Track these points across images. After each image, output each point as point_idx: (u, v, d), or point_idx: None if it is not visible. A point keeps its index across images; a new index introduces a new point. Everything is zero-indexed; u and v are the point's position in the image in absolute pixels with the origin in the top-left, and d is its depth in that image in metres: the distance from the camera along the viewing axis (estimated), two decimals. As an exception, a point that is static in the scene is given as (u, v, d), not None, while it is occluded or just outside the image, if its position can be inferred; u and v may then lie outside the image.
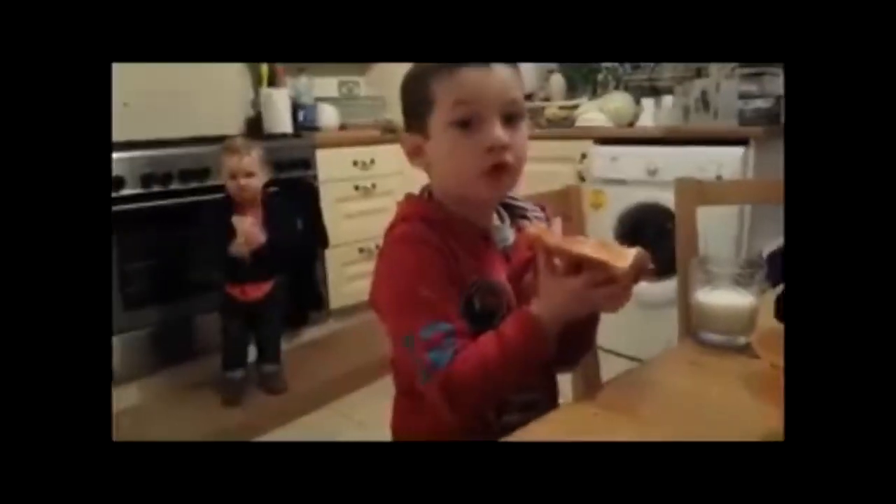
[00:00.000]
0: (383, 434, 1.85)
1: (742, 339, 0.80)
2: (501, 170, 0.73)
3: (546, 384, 0.85)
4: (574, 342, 0.77)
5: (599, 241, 0.69)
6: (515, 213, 0.85)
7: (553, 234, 0.72)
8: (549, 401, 0.83)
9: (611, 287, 0.67)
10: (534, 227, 0.71)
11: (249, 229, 1.93)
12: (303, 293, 2.48)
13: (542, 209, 0.89)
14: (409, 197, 0.82)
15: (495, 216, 0.83)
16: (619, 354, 2.00)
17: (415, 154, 0.79)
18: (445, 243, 0.73)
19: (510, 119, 0.73)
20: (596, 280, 0.67)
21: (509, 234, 0.82)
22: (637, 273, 0.66)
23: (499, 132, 0.71)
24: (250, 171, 1.98)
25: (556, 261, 0.70)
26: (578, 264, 0.68)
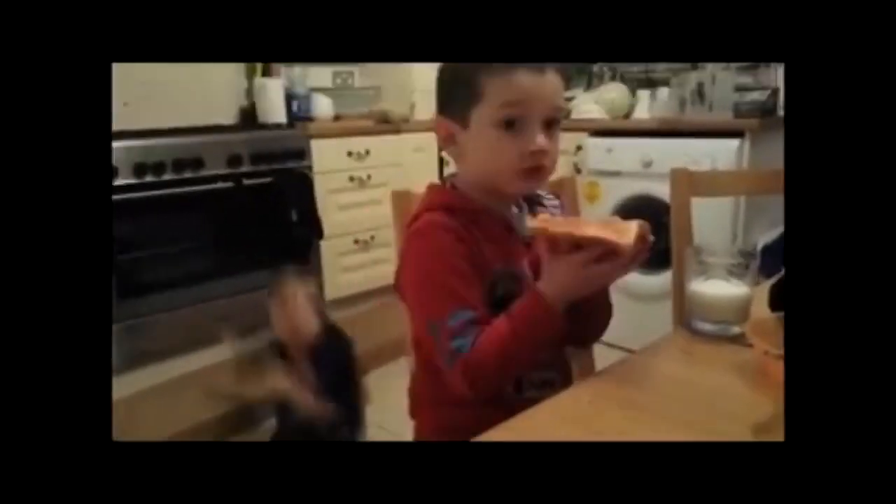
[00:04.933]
0: (378, 420, 1.85)
1: (735, 329, 0.80)
2: (537, 171, 0.75)
3: (560, 364, 0.87)
4: (585, 319, 0.79)
5: (601, 220, 0.71)
6: (532, 201, 0.87)
7: (556, 221, 0.73)
8: (564, 379, 0.85)
9: (611, 262, 0.68)
10: (535, 220, 0.72)
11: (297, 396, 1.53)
12: (297, 284, 2.47)
13: (557, 196, 0.91)
14: (431, 187, 0.84)
15: (514, 207, 0.85)
16: (613, 346, 2.01)
17: (448, 141, 0.80)
18: (469, 232, 0.76)
19: (550, 124, 0.75)
20: (595, 254, 0.68)
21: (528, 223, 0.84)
22: (640, 244, 0.68)
23: (541, 140, 0.73)
24: (302, 322, 1.62)
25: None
26: (582, 244, 0.69)
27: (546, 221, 0.72)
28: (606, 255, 0.68)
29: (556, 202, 0.89)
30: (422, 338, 0.82)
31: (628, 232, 0.67)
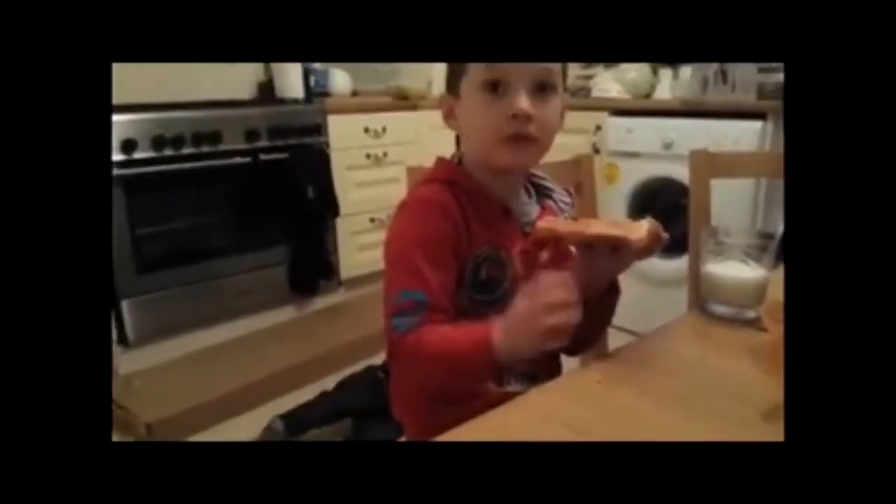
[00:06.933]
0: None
1: (751, 313, 0.79)
2: (523, 140, 0.72)
3: (547, 361, 0.83)
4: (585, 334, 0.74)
5: (611, 221, 0.68)
6: (542, 193, 0.85)
7: (564, 222, 0.70)
8: (549, 376, 0.81)
9: (566, 312, 0.62)
10: (543, 221, 0.70)
11: None
12: (313, 261, 2.48)
13: (570, 194, 0.88)
14: (439, 160, 0.83)
15: (524, 193, 0.83)
16: (627, 331, 2.00)
17: (448, 116, 0.80)
18: (461, 210, 0.73)
19: (542, 89, 0.72)
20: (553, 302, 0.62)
21: (533, 211, 0.82)
22: (653, 241, 0.66)
23: (523, 101, 0.70)
24: None
25: (572, 248, 0.70)
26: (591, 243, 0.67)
27: (553, 222, 0.70)
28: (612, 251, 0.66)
29: (569, 200, 0.86)
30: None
31: (638, 228, 0.65)
